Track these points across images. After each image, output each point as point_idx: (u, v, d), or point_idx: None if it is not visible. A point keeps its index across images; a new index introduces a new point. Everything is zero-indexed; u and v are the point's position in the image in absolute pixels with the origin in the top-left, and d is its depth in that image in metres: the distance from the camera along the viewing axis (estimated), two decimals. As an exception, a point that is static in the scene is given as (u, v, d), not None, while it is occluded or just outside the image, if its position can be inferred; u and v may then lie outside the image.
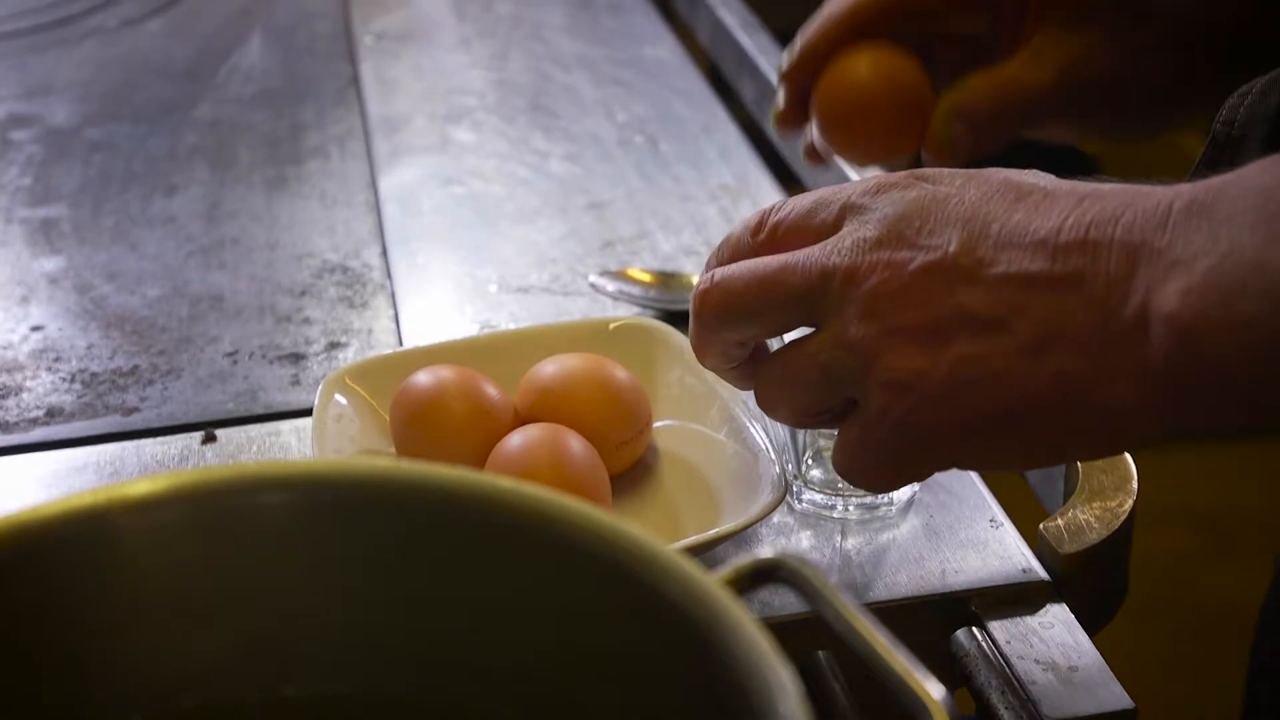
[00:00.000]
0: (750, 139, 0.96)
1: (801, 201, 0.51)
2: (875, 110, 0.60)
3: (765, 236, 0.51)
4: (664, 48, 1.13)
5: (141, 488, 0.38)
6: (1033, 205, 0.46)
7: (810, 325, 0.50)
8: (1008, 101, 0.61)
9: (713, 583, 0.34)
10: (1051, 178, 0.48)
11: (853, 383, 0.48)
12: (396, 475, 0.38)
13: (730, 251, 0.53)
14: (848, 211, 0.49)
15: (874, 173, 0.58)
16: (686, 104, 1.02)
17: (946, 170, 0.49)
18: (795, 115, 0.65)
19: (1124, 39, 0.62)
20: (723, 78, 1.14)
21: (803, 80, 0.64)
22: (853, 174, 0.80)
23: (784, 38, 1.14)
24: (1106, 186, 0.46)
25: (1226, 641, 1.65)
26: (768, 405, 0.52)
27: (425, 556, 0.38)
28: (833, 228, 0.49)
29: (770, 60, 1.04)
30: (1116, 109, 0.64)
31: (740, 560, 0.37)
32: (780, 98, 0.66)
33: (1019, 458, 0.49)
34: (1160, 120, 0.66)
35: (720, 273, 0.51)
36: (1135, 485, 0.58)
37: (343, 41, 1.17)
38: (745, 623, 0.33)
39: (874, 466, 0.49)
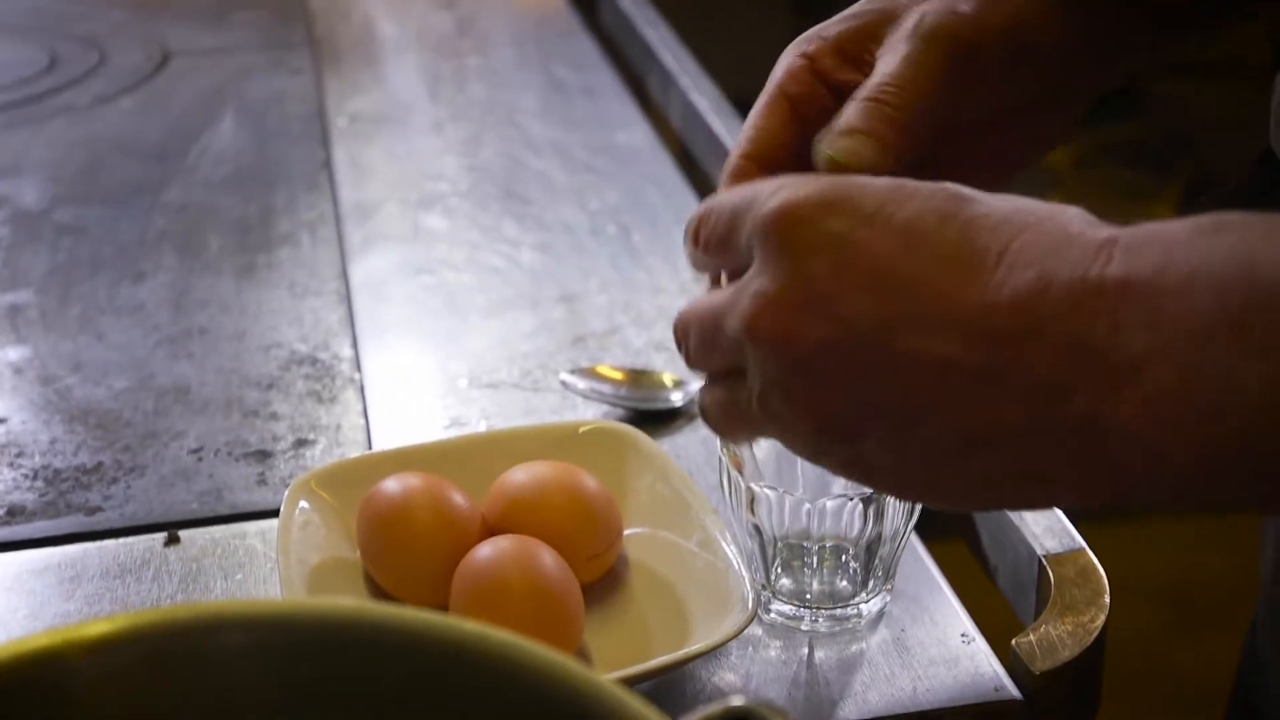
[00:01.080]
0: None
1: (721, 215, 0.48)
2: None
3: (701, 250, 0.49)
4: (637, 133, 1.13)
5: (98, 629, 0.37)
6: (948, 266, 0.42)
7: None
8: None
9: (681, 736, 0.34)
10: (971, 204, 0.44)
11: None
12: (360, 617, 0.38)
13: (694, 260, 0.51)
14: (755, 242, 0.46)
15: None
16: (659, 191, 1.02)
17: (857, 193, 0.45)
18: None
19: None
20: (695, 161, 1.15)
21: None
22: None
23: (747, 109, 1.14)
24: (1025, 233, 0.42)
25: (1195, 716, 1.65)
26: (707, 422, 0.50)
27: (389, 700, 0.37)
28: (746, 255, 0.46)
29: (743, 148, 1.04)
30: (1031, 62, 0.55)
31: (711, 708, 0.36)
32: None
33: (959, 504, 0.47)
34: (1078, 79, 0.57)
35: (678, 320, 0.50)
36: (1107, 599, 0.58)
37: (316, 123, 1.17)
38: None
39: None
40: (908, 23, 0.53)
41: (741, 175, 0.53)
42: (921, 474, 0.44)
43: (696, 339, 0.48)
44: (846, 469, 0.46)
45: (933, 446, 0.43)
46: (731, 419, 0.48)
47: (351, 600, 0.58)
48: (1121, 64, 0.58)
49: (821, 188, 0.45)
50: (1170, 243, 0.40)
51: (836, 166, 0.51)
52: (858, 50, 0.54)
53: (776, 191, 0.46)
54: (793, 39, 0.57)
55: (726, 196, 0.48)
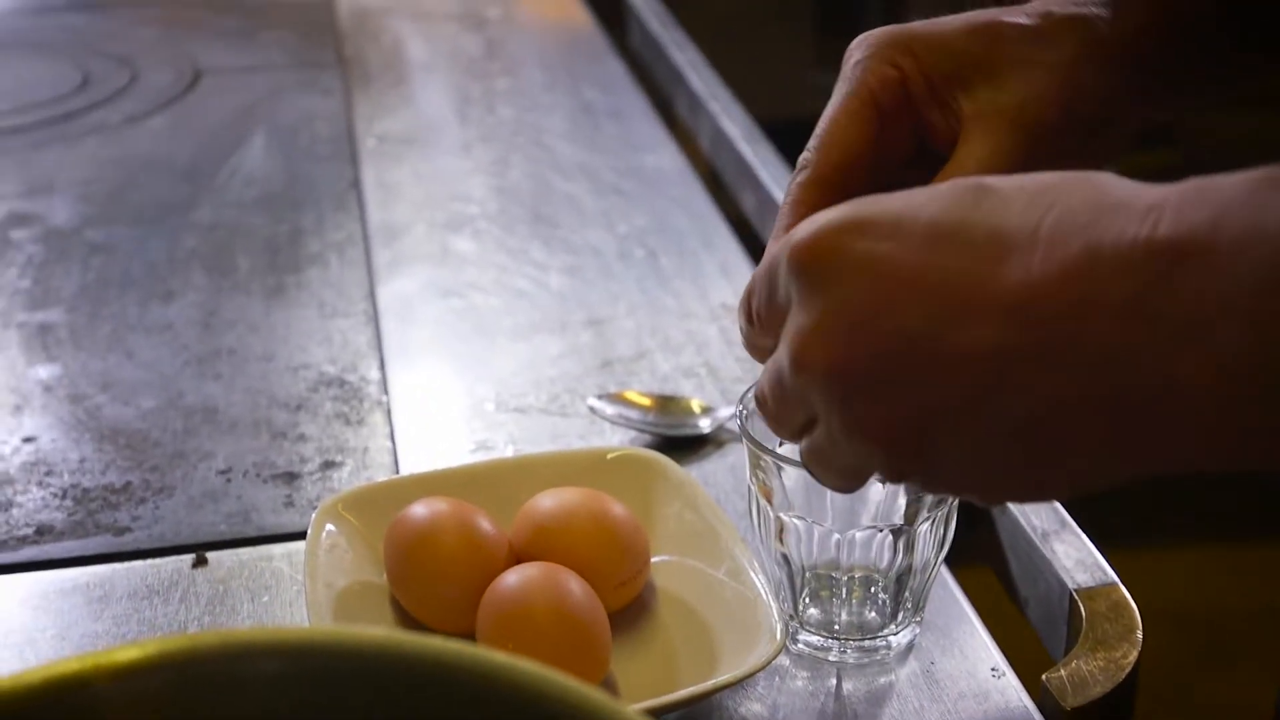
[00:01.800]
0: (750, 254, 0.96)
1: (760, 279, 0.48)
2: None
3: (757, 324, 0.49)
4: (665, 156, 1.13)
5: (127, 654, 0.37)
6: (983, 255, 0.42)
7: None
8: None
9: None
10: (991, 190, 0.43)
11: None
12: (388, 646, 0.38)
13: (750, 342, 0.51)
14: (790, 286, 0.45)
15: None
16: (686, 215, 1.02)
17: (869, 215, 0.44)
18: None
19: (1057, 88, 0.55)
20: (723, 185, 1.15)
21: None
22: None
23: (773, 127, 1.14)
24: (1060, 203, 0.41)
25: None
26: (821, 483, 0.50)
27: (416, 731, 0.37)
28: (788, 303, 0.46)
29: (771, 172, 1.04)
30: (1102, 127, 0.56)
31: (739, 743, 0.36)
32: None
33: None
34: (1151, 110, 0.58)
35: (756, 388, 0.50)
36: (1140, 635, 0.57)
37: (345, 143, 1.17)
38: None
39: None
40: (1009, 96, 0.53)
41: (828, 186, 0.53)
42: (995, 470, 0.43)
43: (774, 403, 0.48)
44: (927, 484, 0.45)
45: (1001, 440, 0.42)
46: (826, 467, 0.48)
47: (380, 629, 0.58)
48: (1181, 104, 0.58)
49: (839, 214, 0.45)
50: (1225, 200, 0.39)
51: None
52: (947, 90, 0.54)
53: (796, 232, 0.45)
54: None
55: (761, 263, 0.49)
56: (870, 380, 0.43)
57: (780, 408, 0.48)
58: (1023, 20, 0.54)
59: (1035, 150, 0.53)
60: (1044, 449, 0.42)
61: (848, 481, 0.49)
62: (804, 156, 0.55)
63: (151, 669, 0.37)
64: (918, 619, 0.60)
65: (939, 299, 0.42)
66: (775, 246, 0.48)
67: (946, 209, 0.43)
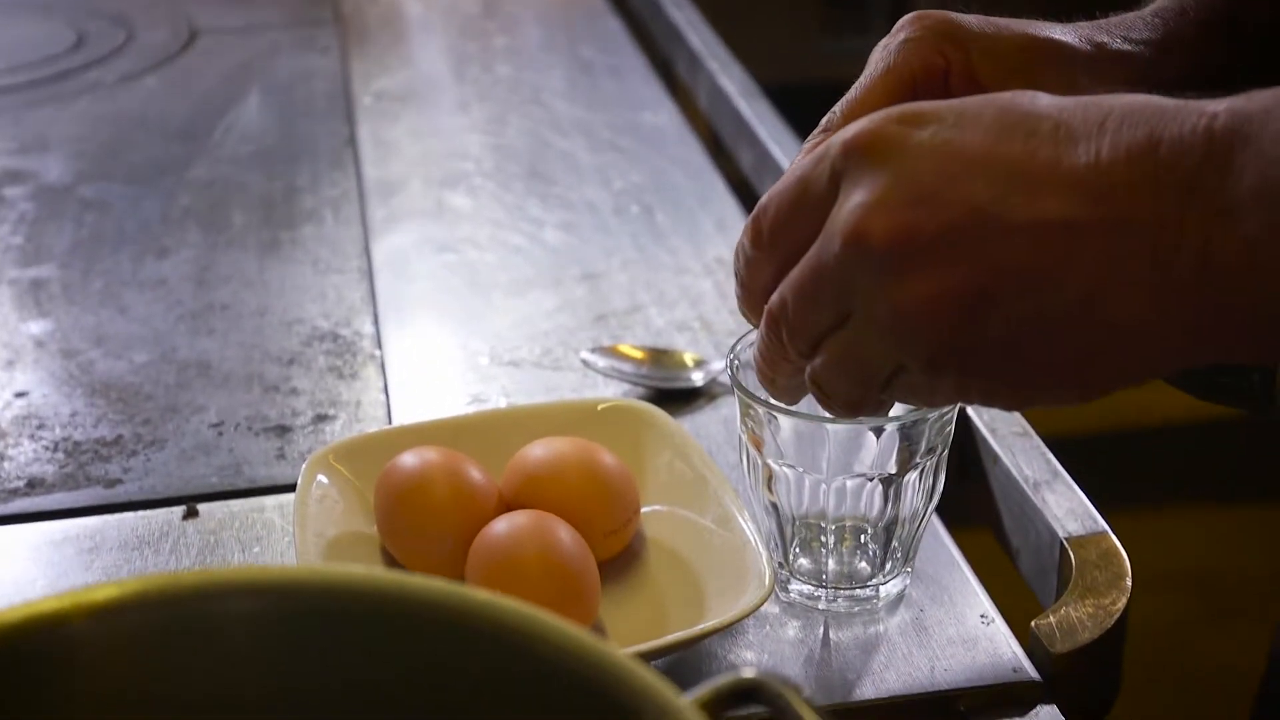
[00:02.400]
0: (747, 210, 0.95)
1: (784, 189, 0.47)
2: None
3: (767, 241, 0.48)
4: (663, 114, 1.13)
5: (106, 593, 0.37)
6: (1050, 141, 0.43)
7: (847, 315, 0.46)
8: None
9: (688, 705, 0.33)
10: (1047, 98, 0.44)
11: (896, 360, 0.46)
12: (368, 584, 0.37)
13: (748, 271, 0.50)
14: (840, 178, 0.45)
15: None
16: (684, 173, 1.02)
17: (930, 108, 0.45)
18: None
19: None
20: (721, 143, 1.14)
21: None
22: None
23: (778, 95, 1.14)
24: (1120, 105, 0.43)
25: (1224, 708, 1.63)
26: (828, 404, 0.49)
27: (396, 668, 0.37)
28: (829, 197, 0.45)
29: (769, 129, 1.04)
30: None
31: (720, 679, 0.36)
32: None
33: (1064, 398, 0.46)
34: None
35: (774, 298, 0.48)
36: (1129, 582, 0.57)
37: (341, 101, 1.17)
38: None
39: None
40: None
41: None
42: (1036, 359, 0.43)
43: (797, 301, 0.46)
44: (962, 377, 0.45)
45: (1050, 323, 0.43)
46: (845, 374, 0.47)
47: (360, 568, 0.58)
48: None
49: (898, 109, 0.45)
50: (1278, 99, 0.41)
51: None
52: (990, 91, 0.53)
53: (849, 128, 0.45)
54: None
55: (784, 178, 0.48)
56: (932, 250, 0.43)
57: (806, 308, 0.46)
58: (1077, 45, 0.56)
59: None
60: (1091, 334, 0.43)
61: (861, 394, 0.47)
62: (828, 118, 0.54)
63: (130, 607, 0.37)
64: (908, 569, 0.60)
65: (1007, 175, 0.43)
66: (803, 160, 0.47)
67: (1009, 106, 0.44)
